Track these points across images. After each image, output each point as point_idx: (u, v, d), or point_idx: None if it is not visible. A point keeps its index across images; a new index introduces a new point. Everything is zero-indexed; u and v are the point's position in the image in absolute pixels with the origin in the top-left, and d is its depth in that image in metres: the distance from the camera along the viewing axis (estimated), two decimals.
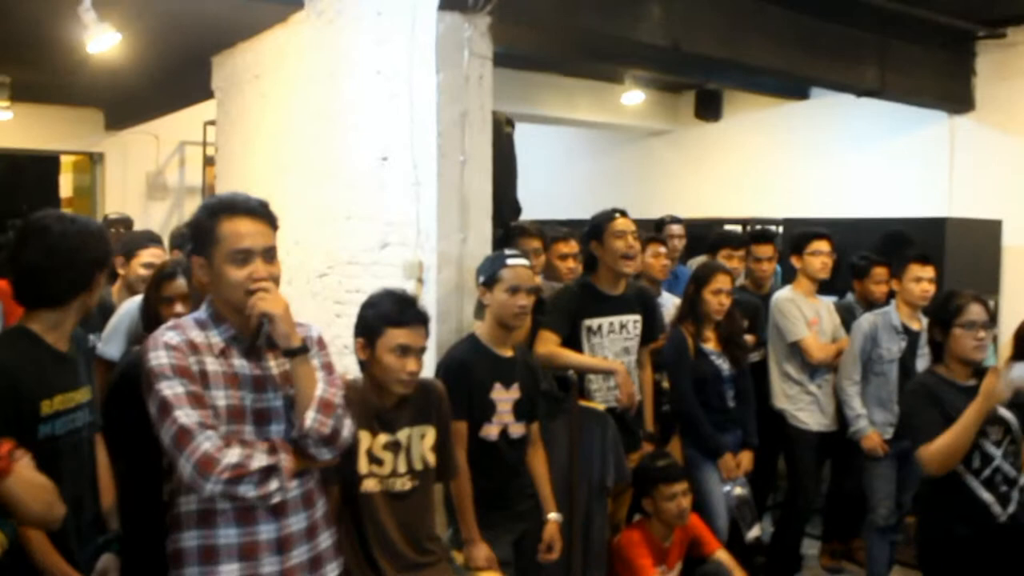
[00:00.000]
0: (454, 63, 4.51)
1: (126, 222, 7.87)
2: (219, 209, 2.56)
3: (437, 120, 4.47)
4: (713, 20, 5.76)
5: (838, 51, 6.61)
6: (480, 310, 3.92)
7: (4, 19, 6.41)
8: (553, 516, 3.92)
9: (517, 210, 5.04)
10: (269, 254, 2.55)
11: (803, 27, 6.25)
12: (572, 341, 4.42)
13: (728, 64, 6.16)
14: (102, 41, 5.74)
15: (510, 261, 3.79)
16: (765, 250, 5.76)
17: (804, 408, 5.33)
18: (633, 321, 4.59)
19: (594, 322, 4.47)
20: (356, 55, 5.19)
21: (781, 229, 7.36)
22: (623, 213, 4.56)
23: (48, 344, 2.55)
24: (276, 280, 2.56)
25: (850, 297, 5.84)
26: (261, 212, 2.57)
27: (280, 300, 2.51)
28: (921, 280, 5.10)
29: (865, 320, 5.23)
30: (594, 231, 4.51)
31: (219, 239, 2.51)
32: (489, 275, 3.79)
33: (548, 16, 5.02)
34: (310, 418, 2.50)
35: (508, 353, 3.81)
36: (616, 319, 4.53)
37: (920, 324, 5.19)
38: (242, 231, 2.51)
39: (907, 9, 6.29)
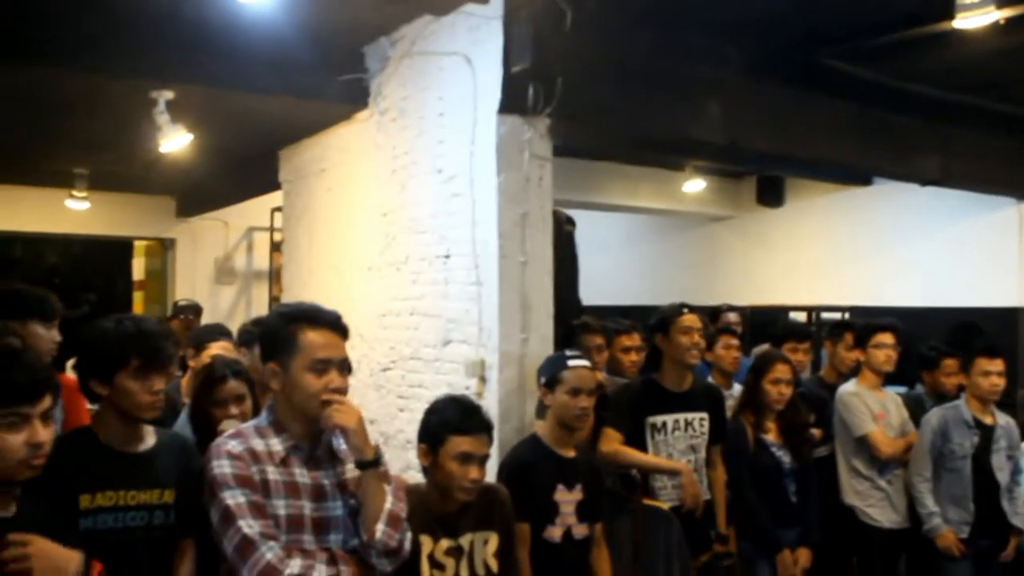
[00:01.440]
0: (514, 165, 4.59)
1: (195, 308, 8.04)
2: (300, 317, 2.62)
3: (498, 221, 4.55)
4: (770, 115, 5.77)
5: (899, 141, 6.56)
6: (542, 410, 3.91)
7: (85, 118, 6.68)
8: None
9: (579, 309, 5.06)
10: (344, 366, 2.61)
11: (862, 119, 6.23)
12: (636, 438, 4.36)
13: (785, 158, 6.16)
14: (175, 141, 5.95)
15: (571, 363, 3.77)
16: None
17: (875, 504, 5.17)
18: (700, 419, 4.51)
19: (658, 419, 4.41)
20: (418, 154, 5.32)
21: (847, 316, 7.28)
22: (690, 308, 4.53)
23: (100, 440, 2.63)
24: (346, 393, 2.60)
25: (920, 389, 5.72)
26: (338, 325, 2.64)
27: (354, 412, 2.55)
28: (990, 374, 4.99)
29: (934, 415, 5.11)
30: (661, 325, 4.47)
31: (299, 348, 2.56)
32: (550, 376, 3.78)
33: (606, 116, 5.08)
34: (380, 531, 2.52)
35: (571, 453, 3.78)
36: (682, 416, 4.46)
37: (994, 418, 5.08)
38: (322, 342, 2.57)
39: (970, 99, 6.26)
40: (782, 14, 5.10)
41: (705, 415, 4.53)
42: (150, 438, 2.74)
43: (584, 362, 3.82)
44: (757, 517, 4.62)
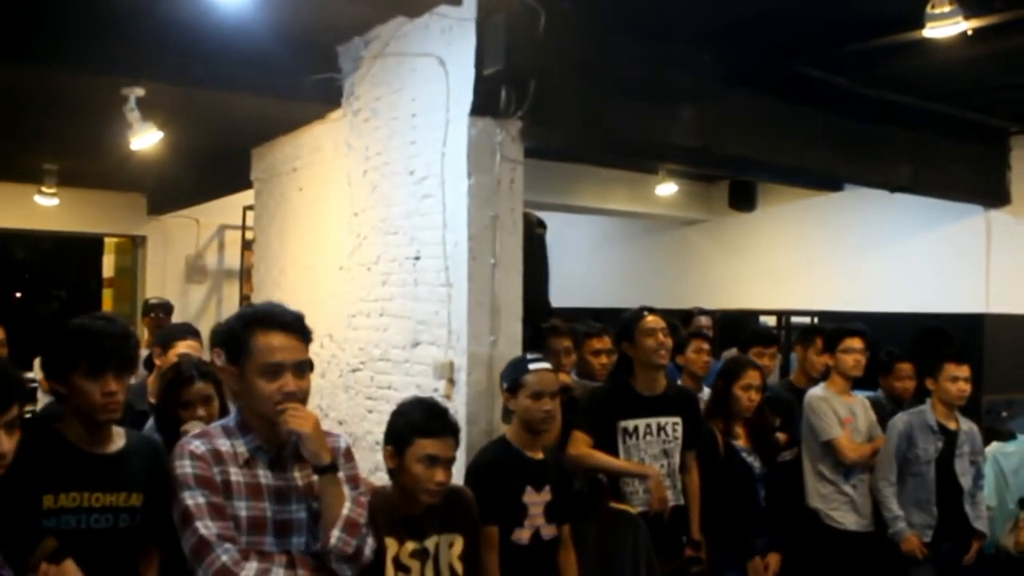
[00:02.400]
0: (486, 167, 4.59)
1: (165, 307, 7.96)
2: (253, 320, 2.61)
3: (468, 223, 4.54)
4: (744, 122, 5.80)
5: (871, 149, 6.62)
6: (507, 414, 3.89)
7: (55, 115, 6.63)
8: None
9: (549, 312, 5.06)
10: (300, 368, 2.58)
11: (835, 127, 6.28)
12: (608, 442, 4.33)
13: (758, 164, 6.19)
14: (145, 139, 5.90)
15: (532, 366, 3.77)
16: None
17: (838, 508, 5.21)
18: (672, 423, 4.47)
19: (630, 423, 4.38)
20: (390, 155, 5.30)
21: (817, 320, 7.32)
22: (651, 310, 4.53)
23: (67, 440, 2.58)
24: (305, 396, 2.59)
25: (878, 393, 5.77)
26: (295, 327, 2.61)
27: (310, 417, 2.54)
28: (957, 380, 5.05)
29: (900, 420, 5.17)
30: (625, 332, 4.46)
31: (252, 351, 2.55)
32: (512, 381, 3.77)
33: (579, 120, 5.07)
34: (335, 536, 2.52)
35: (539, 455, 3.77)
36: (654, 421, 4.43)
37: (957, 424, 5.13)
38: (275, 345, 2.55)
39: (940, 107, 6.33)
40: (757, 22, 5.12)
41: (679, 419, 4.50)
42: (119, 440, 2.69)
43: (545, 364, 3.82)
44: (726, 524, 4.62)
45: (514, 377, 3.78)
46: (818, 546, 5.29)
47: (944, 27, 4.44)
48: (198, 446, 2.52)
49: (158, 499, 2.60)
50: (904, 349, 5.89)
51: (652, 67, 5.27)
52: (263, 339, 2.55)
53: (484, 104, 4.56)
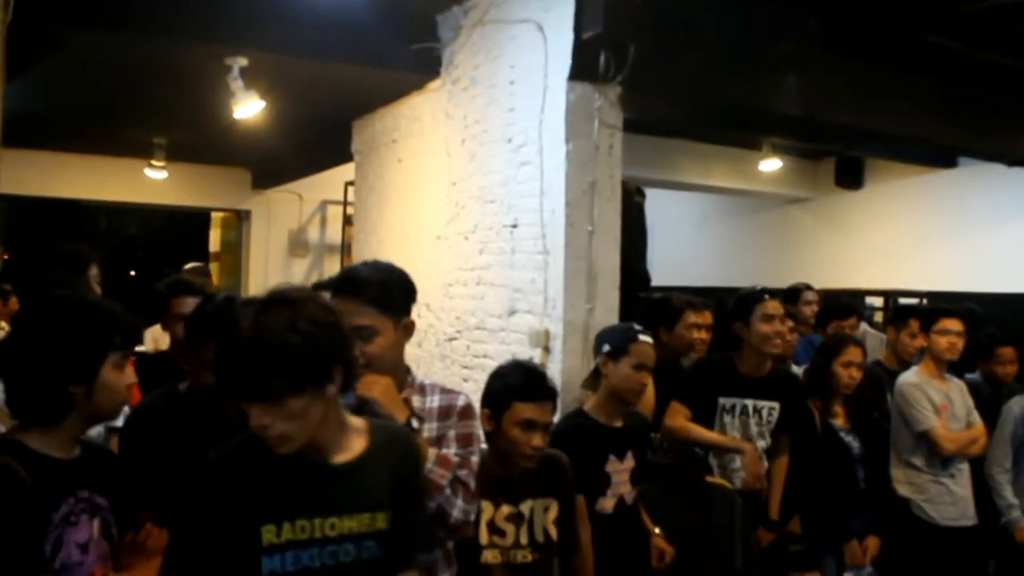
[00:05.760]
0: (584, 133, 4.53)
1: (203, 270, 8.02)
2: (334, 286, 2.60)
3: (566, 189, 4.49)
4: (851, 89, 5.62)
5: (986, 119, 6.34)
6: (594, 380, 3.78)
7: (161, 85, 6.80)
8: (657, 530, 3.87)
9: (646, 281, 4.98)
10: (361, 333, 2.47)
11: (948, 95, 6.03)
12: (705, 417, 4.27)
13: (867, 133, 5.98)
14: (248, 108, 6.01)
15: (641, 337, 3.69)
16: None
17: (932, 500, 4.84)
18: (770, 408, 4.35)
19: (728, 401, 4.30)
20: (488, 123, 5.28)
21: (925, 301, 7.07)
22: (771, 294, 4.38)
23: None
24: (373, 359, 2.49)
25: (978, 375, 5.49)
26: (351, 290, 2.54)
27: (377, 382, 2.47)
28: None
29: (1016, 403, 4.92)
30: (740, 311, 4.31)
31: None
32: (617, 346, 3.68)
33: (679, 87, 4.99)
34: None
35: (619, 423, 3.72)
36: (752, 402, 4.33)
37: None
38: (338, 309, 2.52)
39: None
40: None
41: (776, 404, 4.37)
42: (358, 439, 2.07)
43: (649, 339, 3.74)
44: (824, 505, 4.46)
45: (620, 343, 3.68)
46: (909, 537, 4.89)
47: None
48: None
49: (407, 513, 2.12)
50: (1007, 331, 5.59)
51: (755, 31, 5.13)
52: (334, 304, 2.54)
53: (582, 69, 4.50)
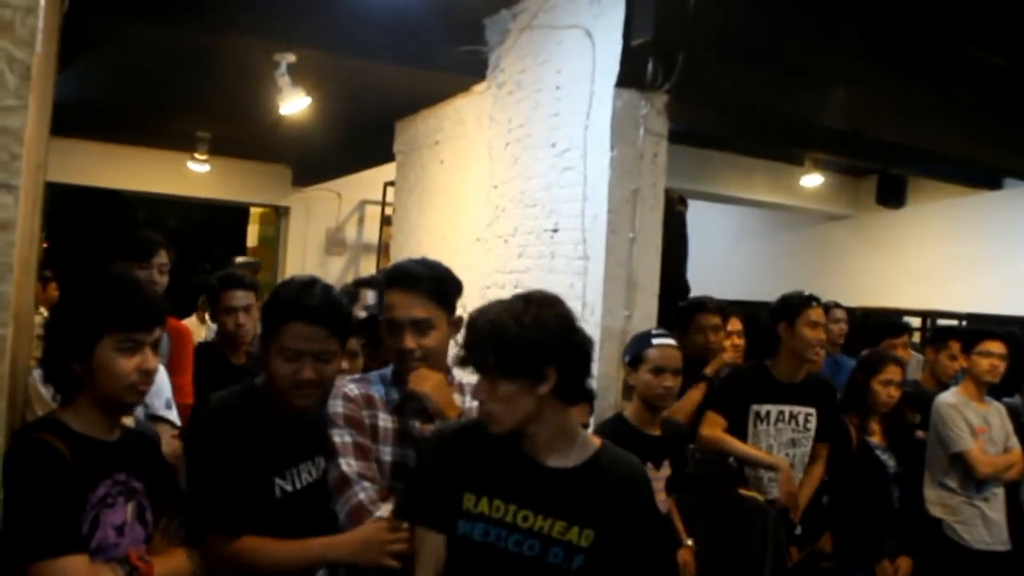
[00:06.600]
0: (629, 140, 4.53)
1: (253, 266, 8.07)
2: (386, 279, 2.65)
3: (608, 196, 4.50)
4: (897, 106, 5.56)
5: None
6: (628, 390, 3.81)
7: (207, 79, 6.87)
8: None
9: (686, 290, 4.96)
10: (418, 326, 2.52)
11: (995, 114, 5.95)
12: (739, 425, 4.24)
13: (912, 151, 5.92)
14: (294, 104, 6.05)
15: (656, 341, 3.69)
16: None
17: (966, 522, 4.76)
18: (806, 413, 4.32)
19: (763, 408, 4.26)
20: (532, 127, 5.29)
21: (965, 323, 6.98)
22: (818, 301, 4.35)
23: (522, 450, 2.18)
24: (429, 352, 2.52)
25: (1017, 399, 5.41)
26: (405, 283, 2.56)
27: (430, 378, 2.49)
28: None
29: None
30: (785, 313, 4.28)
31: (384, 308, 2.59)
32: (634, 355, 3.70)
33: (727, 96, 4.97)
34: None
35: (656, 431, 3.71)
36: (788, 408, 4.29)
37: None
38: (392, 302, 2.55)
39: None
40: None
41: (813, 410, 4.34)
42: (583, 447, 2.19)
43: (670, 341, 3.72)
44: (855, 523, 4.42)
45: (636, 351, 3.71)
46: (942, 560, 4.80)
47: None
48: (352, 389, 2.55)
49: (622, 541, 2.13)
50: None
51: (802, 43, 5.11)
52: (388, 296, 2.57)
53: (630, 76, 4.50)
